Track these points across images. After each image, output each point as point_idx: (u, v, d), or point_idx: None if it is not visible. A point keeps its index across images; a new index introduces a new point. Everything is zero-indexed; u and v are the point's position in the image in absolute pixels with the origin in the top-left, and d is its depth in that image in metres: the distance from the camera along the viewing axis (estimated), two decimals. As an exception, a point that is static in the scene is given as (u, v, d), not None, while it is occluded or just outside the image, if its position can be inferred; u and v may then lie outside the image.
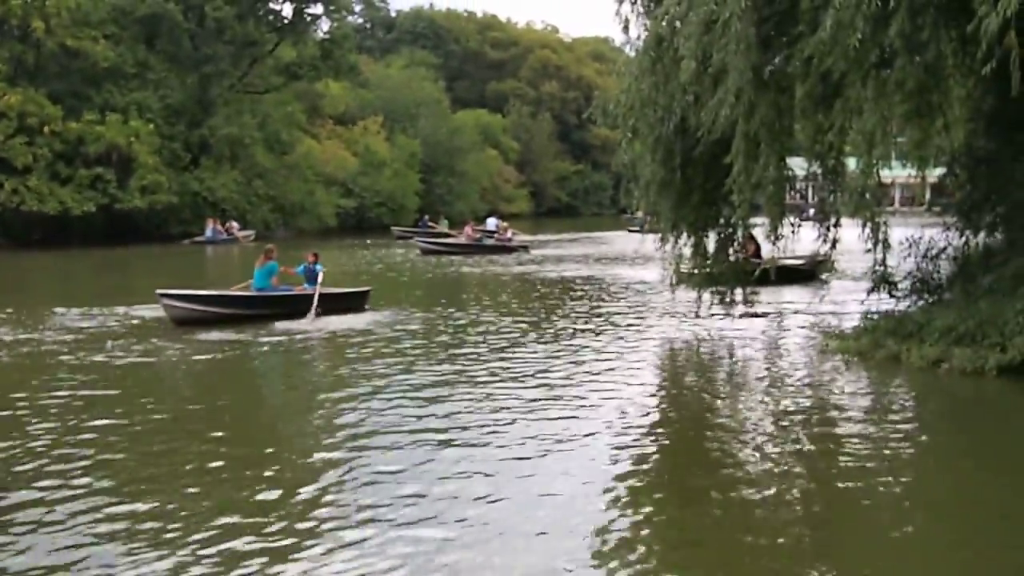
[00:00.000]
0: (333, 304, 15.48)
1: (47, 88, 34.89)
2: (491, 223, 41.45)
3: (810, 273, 19.54)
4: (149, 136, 36.27)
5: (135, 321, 15.11)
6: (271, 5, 45.49)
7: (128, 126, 35.40)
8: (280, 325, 14.43)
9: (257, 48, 44.40)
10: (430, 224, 42.22)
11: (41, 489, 6.61)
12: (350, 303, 16.14)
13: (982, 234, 13.40)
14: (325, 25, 47.84)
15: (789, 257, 18.59)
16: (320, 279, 15.56)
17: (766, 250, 15.41)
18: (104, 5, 37.61)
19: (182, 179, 38.04)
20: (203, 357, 12.19)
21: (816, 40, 9.79)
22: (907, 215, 22.07)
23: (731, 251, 14.37)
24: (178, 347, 12.74)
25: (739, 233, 14.11)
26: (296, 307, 15.13)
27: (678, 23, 11.73)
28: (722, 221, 13.99)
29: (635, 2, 12.92)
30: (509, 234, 34.78)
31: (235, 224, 38.91)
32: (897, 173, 16.24)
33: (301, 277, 16.19)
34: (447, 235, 37.11)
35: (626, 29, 12.80)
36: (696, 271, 14.68)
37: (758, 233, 14.44)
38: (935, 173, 15.84)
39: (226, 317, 14.53)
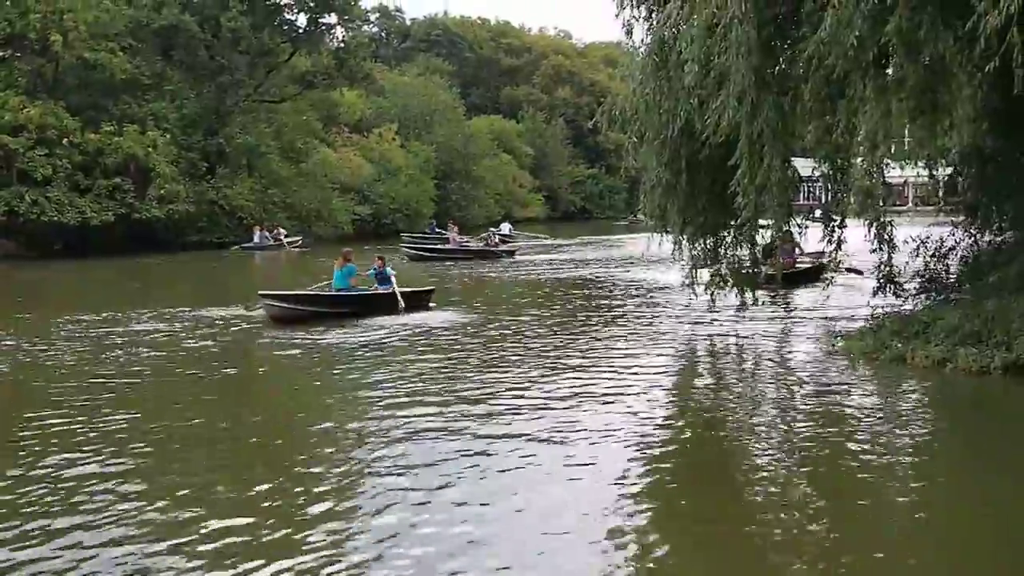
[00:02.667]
0: (405, 302, 16.52)
1: (66, 101, 35.23)
2: (504, 228, 41.60)
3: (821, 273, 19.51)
4: (166, 146, 36.60)
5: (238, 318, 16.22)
6: (286, 15, 45.79)
7: (145, 137, 35.73)
8: (368, 321, 15.42)
9: (272, 58, 44.66)
10: (438, 230, 42.15)
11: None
12: (419, 301, 17.24)
13: (991, 233, 13.41)
14: (340, 34, 48.22)
15: (819, 256, 18.66)
16: (394, 280, 16.83)
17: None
18: (121, 18, 37.91)
19: (199, 188, 38.28)
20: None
21: (816, 39, 9.83)
22: (920, 214, 21.99)
23: (758, 252, 14.40)
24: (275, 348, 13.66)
25: (750, 234, 14.11)
26: (377, 305, 16.40)
27: (681, 26, 11.80)
28: (732, 223, 14.02)
29: (638, 7, 13.02)
30: (496, 239, 35.51)
31: (282, 230, 39.46)
32: (910, 173, 16.24)
33: (372, 279, 17.28)
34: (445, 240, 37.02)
35: (629, 34, 12.89)
36: (709, 272, 14.75)
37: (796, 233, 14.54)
38: (945, 172, 15.86)
39: (316, 315, 15.61)
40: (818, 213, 15.08)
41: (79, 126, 34.42)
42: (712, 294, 14.66)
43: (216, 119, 40.70)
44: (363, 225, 47.56)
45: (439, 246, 34.55)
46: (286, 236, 39.07)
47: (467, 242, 34.16)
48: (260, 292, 16.29)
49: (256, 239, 37.95)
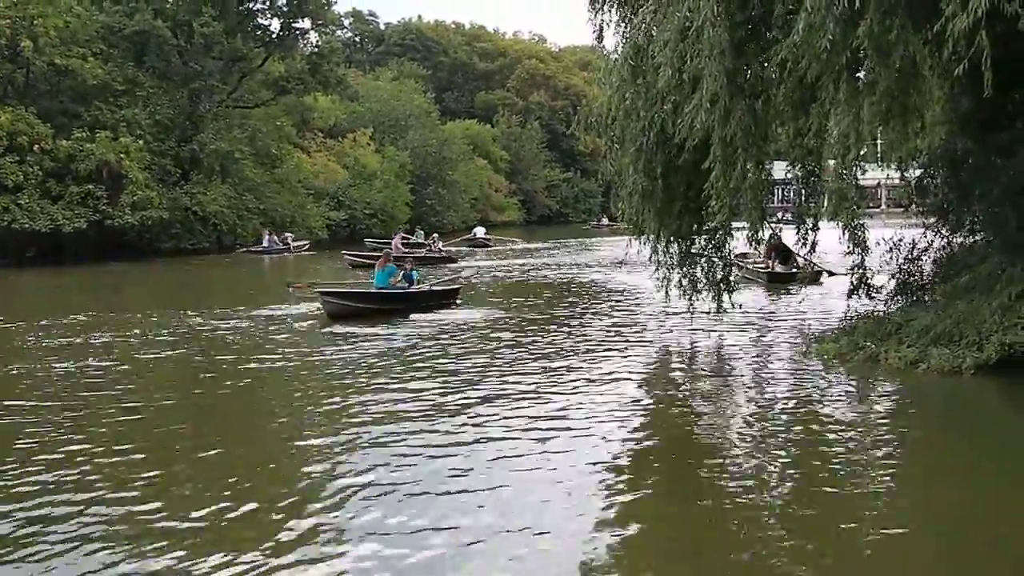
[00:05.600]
0: (437, 300, 18.06)
1: (37, 106, 34.81)
2: (479, 232, 41.50)
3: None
4: (139, 152, 36.21)
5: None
6: (259, 20, 45.58)
7: (118, 143, 35.32)
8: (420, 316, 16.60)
9: (246, 63, 44.44)
10: (404, 236, 41.81)
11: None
12: (449, 298, 18.76)
13: (962, 235, 13.53)
14: (314, 39, 48.02)
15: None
16: (417, 280, 18.42)
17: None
18: (93, 23, 37.54)
19: (172, 194, 37.93)
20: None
21: (788, 43, 9.88)
22: (893, 216, 22.21)
23: (733, 256, 14.46)
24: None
25: (724, 238, 14.15)
26: (420, 302, 17.66)
27: (654, 30, 11.83)
28: (706, 227, 14.07)
29: (610, 11, 13.05)
30: (439, 245, 35.92)
31: (289, 235, 40.25)
32: (882, 175, 16.39)
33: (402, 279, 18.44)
34: (420, 246, 36.80)
35: (600, 38, 12.90)
36: (684, 276, 14.77)
37: (787, 239, 14.59)
38: (916, 174, 16.03)
39: (368, 311, 16.65)
40: (789, 215, 15.15)
41: (50, 132, 33.98)
42: (689, 298, 14.69)
43: (189, 125, 40.38)
44: (338, 230, 47.40)
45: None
46: (292, 240, 40.02)
47: (410, 250, 34.16)
48: (319, 290, 17.23)
49: (265, 243, 38.96)
